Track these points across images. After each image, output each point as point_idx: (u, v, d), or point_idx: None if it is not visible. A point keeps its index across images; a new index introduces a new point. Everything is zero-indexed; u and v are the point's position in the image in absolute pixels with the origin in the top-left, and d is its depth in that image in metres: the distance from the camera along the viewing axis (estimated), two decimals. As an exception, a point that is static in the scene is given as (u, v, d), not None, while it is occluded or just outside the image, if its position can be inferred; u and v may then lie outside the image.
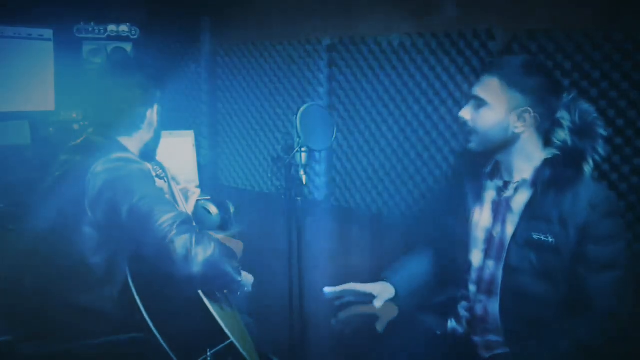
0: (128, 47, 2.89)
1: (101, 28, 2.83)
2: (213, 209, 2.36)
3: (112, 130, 1.77)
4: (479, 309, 1.74)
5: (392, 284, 1.80)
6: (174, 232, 1.52)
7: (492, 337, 1.72)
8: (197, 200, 2.13)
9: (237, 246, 1.91)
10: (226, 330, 1.60)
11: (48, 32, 2.78)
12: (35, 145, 2.75)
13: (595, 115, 1.67)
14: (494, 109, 1.64)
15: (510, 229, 1.68)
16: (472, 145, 1.71)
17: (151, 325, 1.56)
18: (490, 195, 1.76)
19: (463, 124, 1.71)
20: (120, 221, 1.57)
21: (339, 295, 1.78)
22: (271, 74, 2.69)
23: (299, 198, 2.12)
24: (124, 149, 1.75)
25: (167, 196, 1.87)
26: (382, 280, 1.82)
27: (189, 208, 2.04)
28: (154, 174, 1.84)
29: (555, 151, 1.66)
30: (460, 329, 1.80)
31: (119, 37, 2.87)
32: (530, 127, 1.65)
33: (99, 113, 1.83)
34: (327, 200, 2.58)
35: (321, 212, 2.58)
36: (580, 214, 1.58)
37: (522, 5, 2.00)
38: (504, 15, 2.02)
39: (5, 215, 2.38)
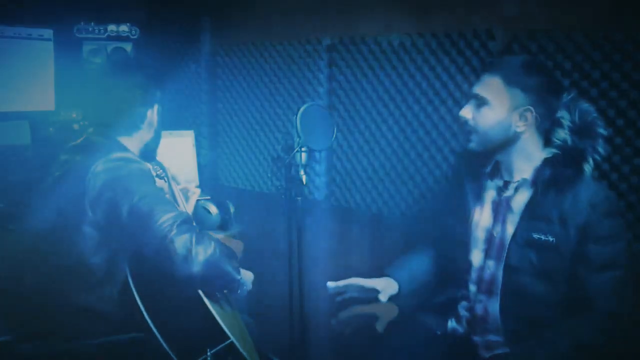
0: (128, 47, 2.88)
1: (101, 28, 2.83)
2: (213, 209, 2.37)
3: (112, 130, 1.77)
4: (479, 309, 1.74)
5: (395, 279, 1.80)
6: (174, 231, 1.52)
7: (492, 337, 1.71)
8: (197, 200, 2.13)
9: (237, 246, 1.92)
10: (226, 330, 1.59)
11: (48, 32, 2.78)
12: (35, 145, 2.75)
13: (595, 115, 1.67)
14: (495, 107, 1.64)
15: (510, 229, 1.68)
16: (473, 144, 1.70)
17: (151, 325, 1.56)
18: (490, 195, 1.76)
19: (463, 123, 1.70)
20: (120, 221, 1.57)
21: (342, 290, 1.78)
22: (271, 74, 2.69)
23: (299, 198, 2.11)
24: (124, 149, 1.74)
25: (167, 196, 1.87)
26: (386, 275, 1.82)
27: (189, 208, 2.04)
28: (154, 174, 1.83)
29: (555, 151, 1.66)
30: (460, 329, 1.79)
31: (119, 37, 2.86)
32: (531, 126, 1.65)
33: (99, 113, 1.82)
34: (327, 200, 2.58)
35: (321, 212, 2.58)
36: (581, 214, 1.58)
37: (522, 5, 2.00)
38: (504, 15, 2.02)
39: (5, 215, 2.38)
